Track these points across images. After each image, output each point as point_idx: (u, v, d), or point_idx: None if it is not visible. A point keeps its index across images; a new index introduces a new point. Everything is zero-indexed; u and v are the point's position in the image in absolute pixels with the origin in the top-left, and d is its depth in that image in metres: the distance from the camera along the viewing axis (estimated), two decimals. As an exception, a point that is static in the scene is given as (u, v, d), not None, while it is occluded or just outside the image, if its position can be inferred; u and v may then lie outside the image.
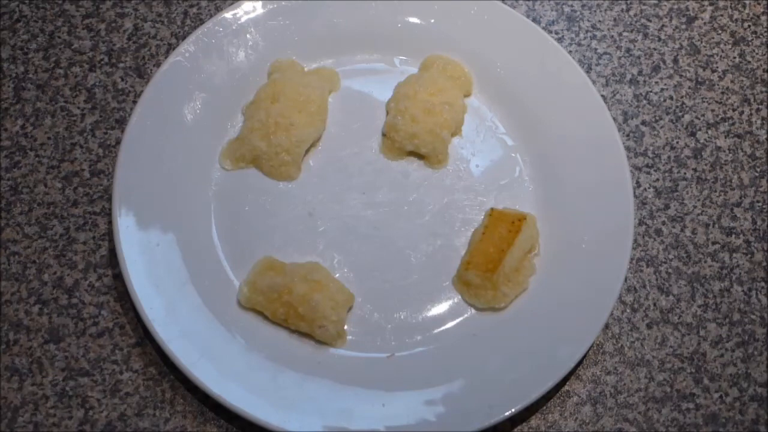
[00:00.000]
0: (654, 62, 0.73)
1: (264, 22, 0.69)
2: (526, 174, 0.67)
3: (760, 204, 0.68)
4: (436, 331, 0.61)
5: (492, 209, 0.63)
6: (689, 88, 0.72)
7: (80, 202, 0.65)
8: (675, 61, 0.73)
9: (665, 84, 0.72)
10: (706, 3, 0.76)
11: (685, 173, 0.69)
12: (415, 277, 0.63)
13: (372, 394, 0.58)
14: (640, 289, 0.64)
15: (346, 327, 0.61)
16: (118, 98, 0.69)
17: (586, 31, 0.74)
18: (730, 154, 0.70)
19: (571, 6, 0.75)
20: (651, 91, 0.72)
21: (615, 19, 0.75)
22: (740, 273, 0.65)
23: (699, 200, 0.68)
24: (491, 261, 0.60)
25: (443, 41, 0.69)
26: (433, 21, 0.70)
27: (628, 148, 0.69)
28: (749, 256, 0.66)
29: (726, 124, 0.71)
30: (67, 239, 0.64)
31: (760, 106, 0.72)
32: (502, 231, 0.61)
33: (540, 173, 0.66)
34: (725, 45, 0.74)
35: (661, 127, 0.70)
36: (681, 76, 0.73)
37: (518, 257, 0.61)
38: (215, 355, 0.57)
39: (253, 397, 0.56)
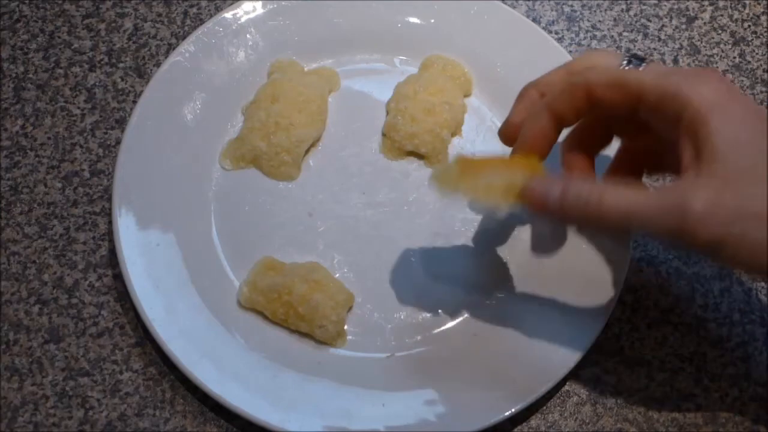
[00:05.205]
0: (654, 62, 0.73)
1: (264, 22, 0.69)
2: (526, 174, 0.66)
3: (760, 204, 0.68)
4: (436, 331, 0.61)
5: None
6: (689, 88, 0.72)
7: (80, 202, 0.65)
8: (675, 61, 0.73)
9: (665, 84, 0.72)
10: (706, 3, 0.76)
11: (685, 173, 0.68)
12: (415, 277, 0.63)
13: (372, 394, 0.58)
14: (640, 289, 0.64)
15: (346, 327, 0.61)
16: (118, 98, 0.69)
17: (586, 31, 0.74)
18: (730, 154, 0.69)
19: (571, 6, 0.75)
20: (651, 91, 0.72)
21: (615, 19, 0.75)
22: (740, 273, 0.65)
23: (699, 200, 0.67)
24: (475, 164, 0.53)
25: (443, 41, 0.69)
26: (433, 21, 0.70)
27: (628, 148, 0.69)
28: (749, 256, 0.66)
29: (726, 124, 0.71)
30: (67, 239, 0.64)
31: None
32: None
33: (540, 173, 0.66)
34: (725, 45, 0.74)
35: (661, 127, 0.70)
36: (681, 76, 0.73)
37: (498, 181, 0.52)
38: (215, 355, 0.57)
39: (253, 397, 0.56)
